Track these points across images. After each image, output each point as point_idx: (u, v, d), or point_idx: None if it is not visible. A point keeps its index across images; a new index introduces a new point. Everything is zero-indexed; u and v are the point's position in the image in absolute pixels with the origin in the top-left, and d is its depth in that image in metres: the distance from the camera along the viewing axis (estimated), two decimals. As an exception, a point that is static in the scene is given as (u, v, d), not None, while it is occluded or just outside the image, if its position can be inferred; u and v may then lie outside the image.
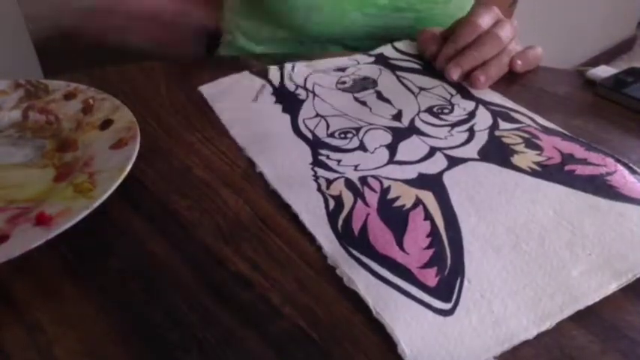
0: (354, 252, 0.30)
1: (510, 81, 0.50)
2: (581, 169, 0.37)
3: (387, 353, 0.25)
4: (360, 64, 0.52)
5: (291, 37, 0.61)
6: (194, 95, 0.46)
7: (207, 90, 0.47)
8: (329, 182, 0.36)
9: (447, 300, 0.27)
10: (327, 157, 0.38)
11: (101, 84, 0.42)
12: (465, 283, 0.28)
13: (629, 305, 0.28)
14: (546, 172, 0.36)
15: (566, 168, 0.37)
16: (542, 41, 0.53)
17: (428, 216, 0.33)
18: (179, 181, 0.36)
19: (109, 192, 0.31)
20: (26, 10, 0.82)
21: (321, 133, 0.41)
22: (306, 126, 0.42)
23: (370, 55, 0.53)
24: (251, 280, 0.29)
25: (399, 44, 0.55)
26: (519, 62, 0.50)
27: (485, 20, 0.49)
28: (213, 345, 0.25)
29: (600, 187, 0.35)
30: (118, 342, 0.25)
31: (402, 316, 0.26)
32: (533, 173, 0.36)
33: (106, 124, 0.38)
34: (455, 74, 0.47)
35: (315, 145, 0.40)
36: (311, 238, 0.31)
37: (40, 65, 0.86)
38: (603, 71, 0.50)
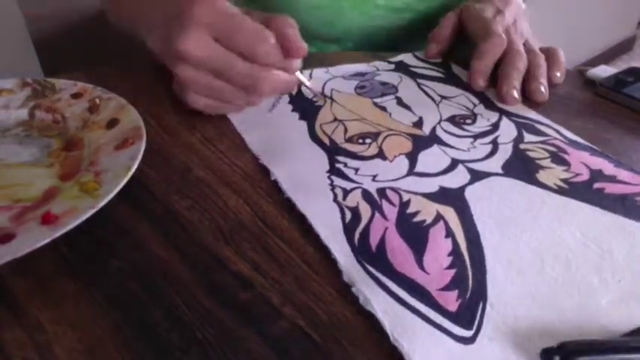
0: (371, 269, 0.29)
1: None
2: (610, 188, 0.35)
3: (387, 353, 0.25)
4: (380, 71, 0.51)
5: None
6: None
7: None
8: (346, 192, 0.34)
9: (468, 327, 0.26)
10: (345, 165, 0.37)
11: (101, 83, 0.42)
12: (488, 308, 0.27)
13: None
14: (574, 189, 0.35)
15: (595, 186, 0.35)
16: (542, 41, 0.53)
17: (449, 233, 0.31)
18: (179, 181, 0.36)
19: (115, 191, 0.31)
20: (26, 10, 0.82)
21: (339, 138, 0.40)
22: (323, 131, 0.41)
23: (390, 63, 0.52)
24: (251, 280, 0.29)
25: (420, 53, 0.54)
26: (558, 74, 0.48)
27: (500, 25, 0.48)
28: (213, 345, 0.25)
29: (631, 208, 0.33)
30: (118, 342, 0.25)
31: (421, 342, 0.25)
32: (560, 191, 0.35)
33: (112, 123, 0.38)
34: (516, 96, 0.45)
35: (332, 151, 0.38)
36: (317, 244, 0.31)
37: (40, 65, 0.85)
38: (603, 71, 0.50)
